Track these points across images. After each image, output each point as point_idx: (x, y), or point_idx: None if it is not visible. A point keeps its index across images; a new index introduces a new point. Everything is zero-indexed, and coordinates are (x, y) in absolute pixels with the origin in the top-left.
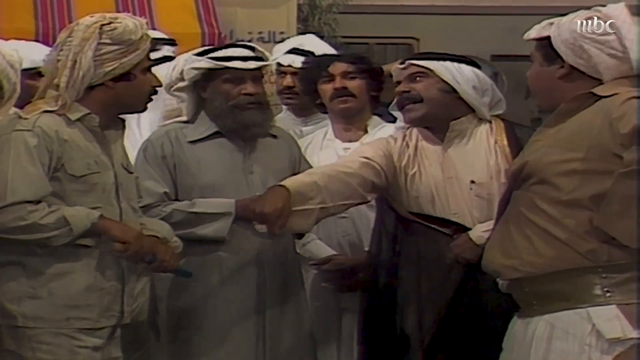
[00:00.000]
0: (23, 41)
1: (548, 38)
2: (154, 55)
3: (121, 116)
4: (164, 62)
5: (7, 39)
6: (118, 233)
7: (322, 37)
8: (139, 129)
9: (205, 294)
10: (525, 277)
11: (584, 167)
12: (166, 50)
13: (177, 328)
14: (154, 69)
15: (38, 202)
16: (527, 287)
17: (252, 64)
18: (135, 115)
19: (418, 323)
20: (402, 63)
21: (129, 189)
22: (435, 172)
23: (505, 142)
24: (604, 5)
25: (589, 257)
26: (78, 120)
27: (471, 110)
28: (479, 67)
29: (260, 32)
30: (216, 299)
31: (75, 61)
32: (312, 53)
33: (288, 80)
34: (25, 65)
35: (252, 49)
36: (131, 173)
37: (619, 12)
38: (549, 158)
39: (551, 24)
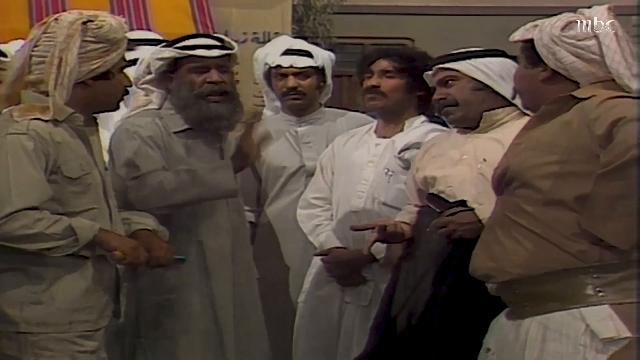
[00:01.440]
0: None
1: (531, 41)
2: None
3: (94, 115)
4: None
5: (1, 39)
6: (116, 244)
7: (317, 38)
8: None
9: (186, 285)
10: (516, 279)
11: (564, 169)
12: None
13: (158, 324)
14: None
15: (42, 209)
16: (518, 289)
17: (216, 52)
18: (109, 115)
19: (405, 307)
20: (430, 69)
21: (110, 187)
22: (452, 153)
23: None
24: (589, 7)
25: (580, 257)
26: (63, 120)
27: (509, 103)
28: (506, 56)
29: (255, 33)
30: (195, 290)
31: (61, 58)
32: (308, 53)
33: (292, 82)
34: None
35: (220, 40)
36: (106, 170)
37: (600, 15)
38: (529, 161)
39: (535, 26)
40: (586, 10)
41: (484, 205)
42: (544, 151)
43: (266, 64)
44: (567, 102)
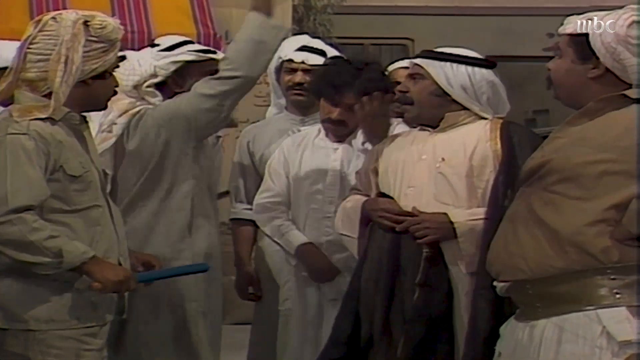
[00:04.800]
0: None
1: (585, 35)
2: None
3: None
4: None
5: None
6: (100, 276)
7: (317, 38)
8: None
9: None
10: (530, 279)
11: (616, 168)
12: None
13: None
14: None
15: (44, 208)
16: (531, 289)
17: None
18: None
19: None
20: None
21: (105, 184)
22: (413, 153)
23: (498, 137)
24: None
25: (601, 257)
26: (60, 119)
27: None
28: (488, 66)
29: None
30: None
31: (68, 57)
32: (323, 52)
33: (299, 77)
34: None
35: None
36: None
37: None
38: (576, 157)
39: (589, 19)
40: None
41: (453, 207)
42: (592, 148)
43: (280, 57)
44: (614, 101)
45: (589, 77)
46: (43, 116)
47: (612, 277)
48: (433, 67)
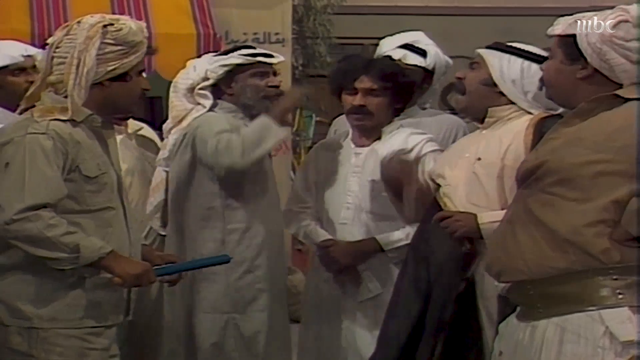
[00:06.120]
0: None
1: (573, 36)
2: None
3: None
4: None
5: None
6: (119, 271)
7: (317, 38)
8: None
9: None
10: (530, 280)
11: (612, 168)
12: None
13: None
14: None
15: (59, 207)
16: (532, 290)
17: (276, 59)
18: None
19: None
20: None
21: (123, 187)
22: (461, 150)
23: (531, 134)
24: (610, 5)
25: (602, 258)
26: (81, 121)
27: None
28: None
29: (255, 33)
30: None
31: (80, 59)
32: (424, 52)
33: None
34: (5, 62)
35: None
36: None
37: None
38: (574, 159)
39: (577, 20)
40: (629, 8)
41: (485, 209)
42: (587, 148)
43: (383, 51)
44: (606, 101)
45: (578, 78)
46: (64, 118)
47: (614, 277)
48: (492, 57)
